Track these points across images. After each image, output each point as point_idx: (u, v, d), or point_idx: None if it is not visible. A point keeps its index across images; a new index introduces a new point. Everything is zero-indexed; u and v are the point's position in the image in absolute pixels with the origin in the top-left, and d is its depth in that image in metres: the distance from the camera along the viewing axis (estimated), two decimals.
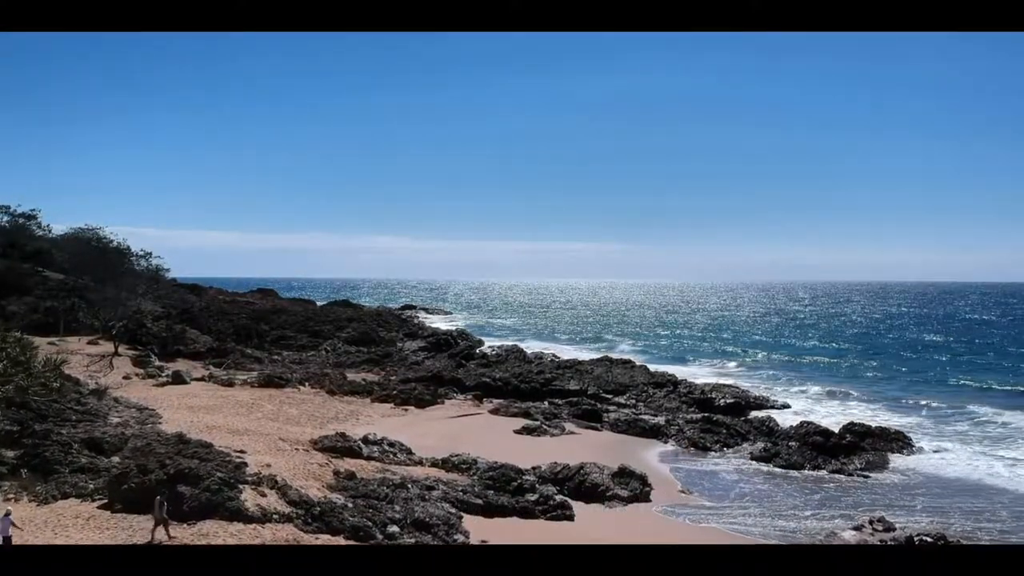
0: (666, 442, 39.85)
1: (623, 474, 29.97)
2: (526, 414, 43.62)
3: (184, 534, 19.99)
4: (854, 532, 25.62)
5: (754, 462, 36.06)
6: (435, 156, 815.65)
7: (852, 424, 39.28)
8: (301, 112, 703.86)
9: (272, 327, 75.10)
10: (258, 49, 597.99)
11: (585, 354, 73.18)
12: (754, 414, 45.15)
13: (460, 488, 27.16)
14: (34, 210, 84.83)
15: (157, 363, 51.95)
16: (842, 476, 34.02)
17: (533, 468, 30.15)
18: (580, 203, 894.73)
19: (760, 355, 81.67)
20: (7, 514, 18.81)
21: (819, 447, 36.52)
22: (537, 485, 28.04)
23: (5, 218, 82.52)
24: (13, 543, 17.97)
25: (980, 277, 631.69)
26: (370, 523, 22.17)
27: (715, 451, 38.15)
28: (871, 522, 26.17)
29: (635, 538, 23.33)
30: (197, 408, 38.34)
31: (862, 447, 36.82)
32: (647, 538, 23.34)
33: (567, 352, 76.55)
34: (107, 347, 54.39)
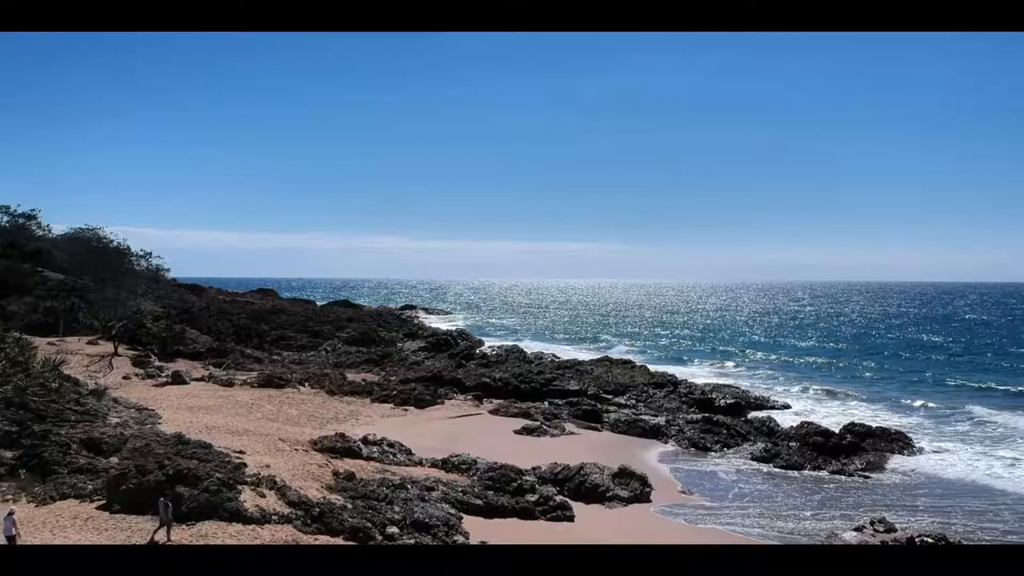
0: (666, 442, 39.83)
1: (623, 475, 29.95)
2: (526, 414, 43.62)
3: (183, 535, 19.97)
4: (855, 533, 25.55)
5: (754, 462, 36.06)
6: (435, 156, 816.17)
7: (852, 424, 39.31)
8: (301, 112, 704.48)
9: (272, 327, 75.11)
10: (258, 49, 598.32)
11: (584, 354, 73.17)
12: (754, 414, 45.16)
13: (460, 489, 27.14)
14: (34, 210, 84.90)
15: (157, 363, 51.94)
16: (843, 476, 34.01)
17: (533, 469, 30.14)
18: (580, 203, 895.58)
19: (760, 355, 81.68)
20: (11, 513, 18.84)
21: (819, 447, 36.52)
22: (537, 486, 28.02)
23: (5, 218, 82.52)
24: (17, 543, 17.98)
25: (980, 277, 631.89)
26: (369, 524, 22.14)
27: (715, 451, 38.14)
28: (872, 523, 26.09)
29: (635, 539, 23.30)
30: (196, 408, 38.32)
31: (862, 447, 36.82)
32: (647, 539, 23.32)
33: (566, 352, 76.53)
34: (107, 347, 54.37)
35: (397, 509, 23.80)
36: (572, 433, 40.57)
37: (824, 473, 34.51)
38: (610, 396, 49.52)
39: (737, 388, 52.86)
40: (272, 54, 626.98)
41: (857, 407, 50.58)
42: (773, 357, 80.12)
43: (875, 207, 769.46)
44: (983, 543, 24.86)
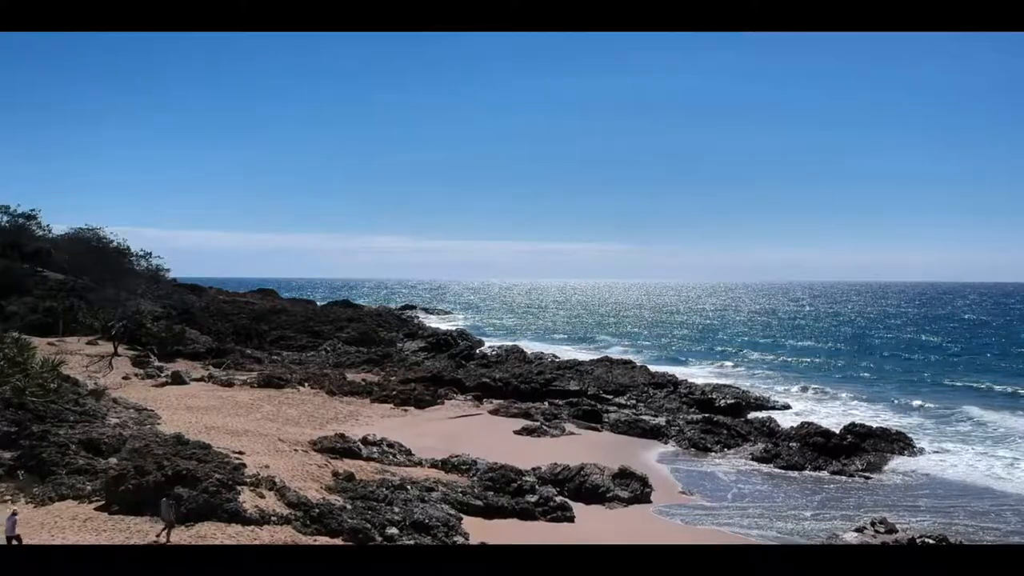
0: (666, 443, 39.82)
1: (623, 475, 29.93)
2: (526, 415, 43.61)
3: (181, 536, 19.95)
4: (856, 534, 25.50)
5: (755, 463, 36.04)
6: (435, 156, 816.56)
7: (853, 425, 39.27)
8: (301, 112, 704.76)
9: (272, 327, 75.11)
10: (258, 49, 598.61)
11: (584, 354, 73.16)
12: (754, 415, 45.15)
13: (460, 489, 27.12)
14: (34, 210, 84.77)
15: (156, 363, 51.92)
16: (843, 477, 33.99)
17: (533, 469, 30.13)
18: (579, 203, 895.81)
19: (760, 356, 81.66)
20: (14, 514, 18.86)
21: (820, 448, 36.49)
22: (537, 486, 28.01)
23: (5, 218, 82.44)
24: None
25: (979, 277, 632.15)
26: (369, 525, 22.12)
27: (716, 452, 38.12)
28: (873, 523, 26.03)
29: (635, 539, 23.29)
30: (196, 409, 38.30)
31: (863, 448, 36.80)
32: (647, 539, 23.30)
33: (566, 352, 76.54)
34: (106, 347, 54.34)
35: (397, 510, 23.78)
36: (572, 433, 40.55)
37: (824, 474, 34.50)
38: (610, 396, 49.50)
39: (737, 388, 52.85)
40: (272, 54, 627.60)
41: (857, 407, 50.57)
42: (773, 357, 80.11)
43: (875, 207, 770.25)
44: (985, 543, 24.83)
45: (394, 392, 47.73)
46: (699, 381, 55.88)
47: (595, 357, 67.12)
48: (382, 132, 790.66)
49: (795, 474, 34.39)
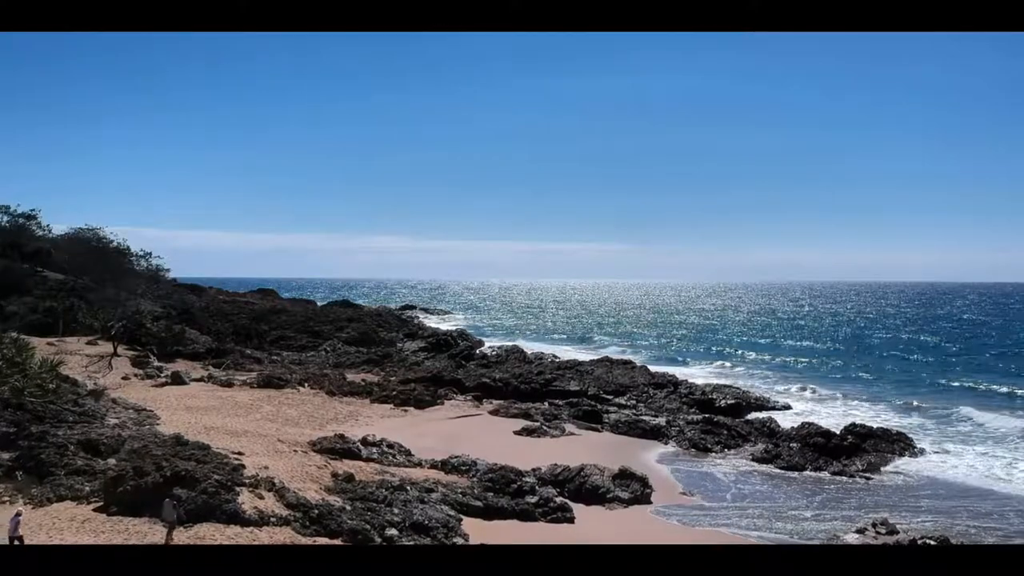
0: (667, 443, 39.79)
1: (624, 476, 29.91)
2: (526, 415, 43.59)
3: (179, 537, 19.91)
4: (857, 535, 25.44)
5: (755, 463, 36.01)
6: (435, 156, 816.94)
7: (853, 425, 39.23)
8: (301, 112, 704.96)
9: (272, 327, 75.09)
10: (258, 49, 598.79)
11: (584, 355, 73.15)
12: (755, 415, 45.13)
13: (459, 490, 27.10)
14: (34, 210, 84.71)
15: (156, 364, 51.90)
16: (844, 478, 33.95)
17: (533, 470, 30.10)
18: (579, 203, 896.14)
19: (759, 356, 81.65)
20: (18, 514, 18.85)
21: (820, 448, 36.47)
22: (537, 487, 27.99)
23: (5, 218, 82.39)
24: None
25: (979, 277, 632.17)
26: (368, 526, 22.09)
27: (716, 452, 38.09)
28: (874, 525, 25.97)
29: (635, 540, 23.28)
30: (195, 409, 38.28)
31: (863, 448, 36.76)
32: (647, 540, 23.29)
33: (566, 353, 76.53)
34: (106, 347, 54.32)
35: (396, 511, 23.76)
36: (572, 434, 40.53)
37: (825, 474, 34.47)
38: (610, 397, 49.49)
39: (737, 389, 52.84)
40: (272, 54, 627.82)
41: (857, 408, 50.56)
42: (772, 358, 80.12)
43: (875, 207, 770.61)
44: (987, 544, 24.80)
45: (394, 392, 47.72)
46: (699, 381, 55.87)
47: (595, 357, 67.11)
48: (382, 132, 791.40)
49: (795, 475, 34.37)
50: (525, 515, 26.15)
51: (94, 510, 21.62)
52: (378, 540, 21.66)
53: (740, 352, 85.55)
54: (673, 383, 53.03)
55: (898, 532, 25.48)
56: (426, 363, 63.94)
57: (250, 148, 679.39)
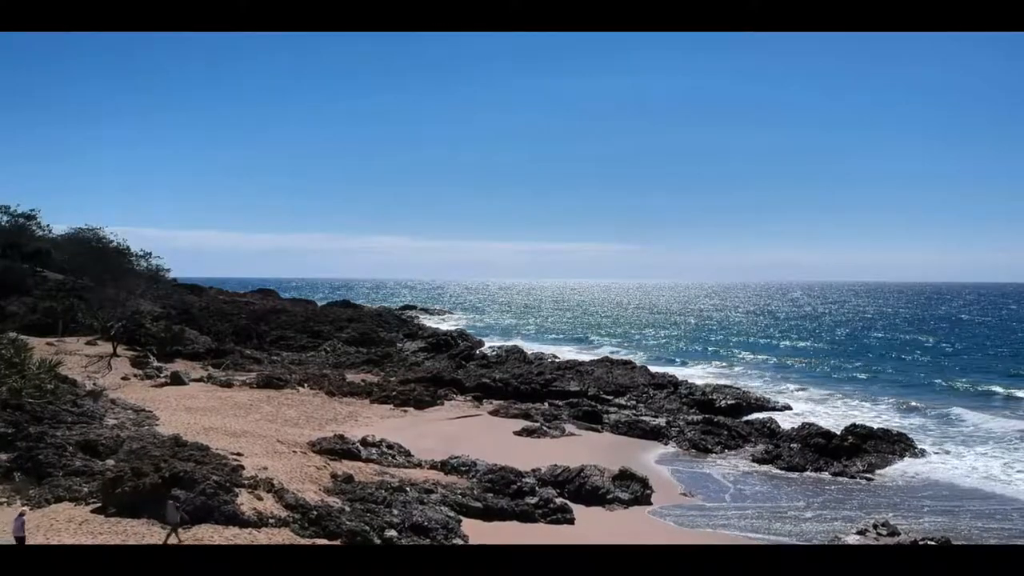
0: (667, 444, 39.78)
1: (624, 476, 29.90)
2: (526, 415, 43.58)
3: (179, 539, 19.89)
4: (858, 536, 25.39)
5: (755, 464, 35.99)
6: (435, 156, 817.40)
7: (854, 426, 39.18)
8: (301, 112, 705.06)
9: (272, 327, 75.07)
10: (258, 49, 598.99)
11: (584, 355, 73.14)
12: (755, 415, 45.11)
13: (459, 491, 27.08)
14: (34, 210, 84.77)
15: (155, 364, 51.89)
16: (844, 478, 33.92)
17: (533, 470, 30.09)
18: (579, 203, 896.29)
19: (759, 356, 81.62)
20: (21, 515, 18.84)
21: (821, 449, 36.45)
22: (537, 488, 27.98)
23: (5, 218, 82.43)
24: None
25: (978, 278, 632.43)
26: (367, 527, 22.07)
27: (716, 453, 38.08)
28: (875, 526, 25.91)
29: (635, 541, 23.26)
30: (195, 409, 38.26)
31: (864, 449, 36.73)
32: (647, 541, 23.27)
33: (567, 353, 76.53)
34: (105, 348, 54.31)
35: (395, 512, 23.74)
36: (572, 434, 40.52)
37: (826, 475, 34.44)
38: (610, 397, 49.49)
39: (737, 389, 52.82)
40: (272, 54, 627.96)
41: (858, 408, 50.56)
42: (772, 358, 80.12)
43: (874, 207, 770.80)
44: (989, 544, 24.76)
45: (394, 393, 47.70)
46: (699, 382, 55.86)
47: (595, 357, 67.10)
48: (382, 132, 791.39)
49: (796, 475, 34.35)
50: (525, 516, 26.13)
51: (92, 511, 21.56)
52: (377, 541, 21.64)
53: (740, 352, 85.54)
54: (673, 383, 53.02)
55: (899, 533, 25.42)
56: (426, 363, 63.93)
57: (250, 148, 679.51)
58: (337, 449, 30.86)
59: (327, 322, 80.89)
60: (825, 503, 30.05)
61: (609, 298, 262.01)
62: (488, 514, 25.88)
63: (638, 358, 73.31)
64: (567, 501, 27.76)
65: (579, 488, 29.11)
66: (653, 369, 60.33)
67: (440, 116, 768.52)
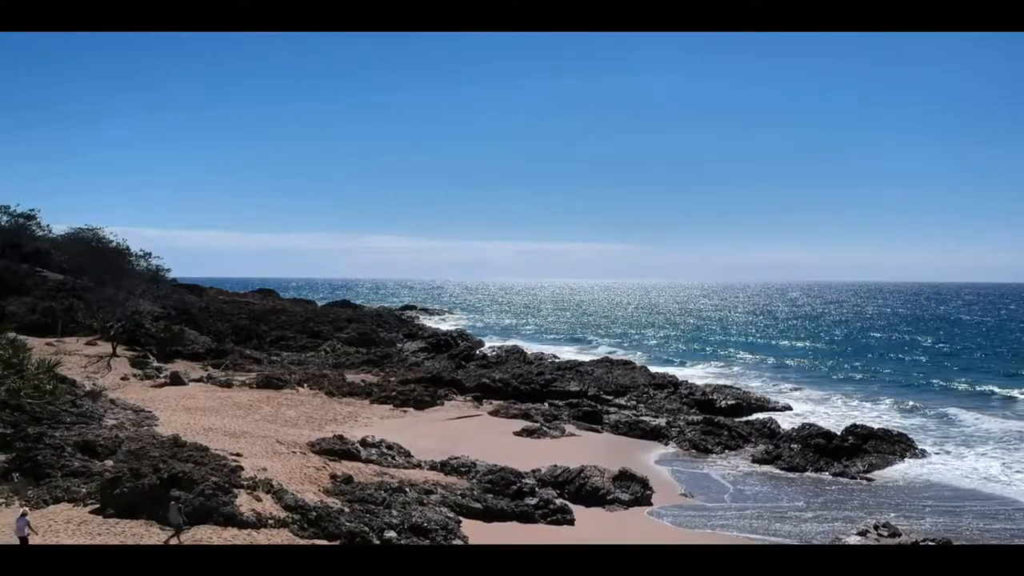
0: (667, 444, 39.76)
1: (624, 477, 29.89)
2: (526, 416, 43.56)
3: (179, 540, 19.87)
4: (858, 537, 25.35)
5: (756, 464, 35.98)
6: (435, 156, 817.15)
7: (854, 426, 39.16)
8: (301, 112, 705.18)
9: (271, 327, 75.06)
10: (258, 49, 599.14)
11: (584, 355, 73.13)
12: (755, 416, 45.09)
13: (459, 492, 27.06)
14: (34, 210, 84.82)
15: (155, 364, 51.85)
16: (845, 479, 33.90)
17: (533, 471, 30.07)
18: (579, 203, 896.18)
19: (760, 356, 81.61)
20: (24, 515, 18.82)
21: (821, 449, 36.42)
22: (537, 488, 27.96)
23: (5, 218, 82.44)
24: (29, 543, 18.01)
25: (978, 278, 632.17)
26: (367, 528, 22.06)
27: (716, 453, 38.06)
28: (876, 527, 25.88)
29: (635, 542, 23.25)
30: (194, 410, 38.24)
31: (865, 449, 36.71)
32: (647, 541, 23.26)
33: (566, 353, 76.52)
34: (105, 348, 54.27)
35: (395, 513, 23.72)
36: (572, 435, 40.50)
37: (826, 475, 34.42)
38: (610, 397, 49.47)
39: (738, 389, 52.80)
40: (272, 54, 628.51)
41: (858, 408, 50.55)
42: (772, 358, 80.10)
43: (874, 207, 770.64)
44: (990, 543, 24.74)
45: (393, 393, 47.68)
46: (699, 382, 55.84)
47: (595, 357, 67.08)
48: (382, 132, 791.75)
49: (796, 476, 34.33)
50: (525, 517, 26.11)
51: (91, 512, 21.52)
52: (376, 542, 21.62)
53: (740, 352, 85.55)
54: (673, 384, 53.01)
55: (900, 534, 25.39)
56: (426, 363, 63.92)
57: (250, 148, 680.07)
58: (336, 450, 30.83)
59: (327, 322, 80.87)
60: (825, 504, 30.02)
61: (609, 298, 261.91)
62: (488, 515, 25.86)
63: (638, 358, 73.25)
64: (567, 502, 27.75)
65: (579, 489, 29.09)
66: (653, 369, 60.31)
67: (440, 116, 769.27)
